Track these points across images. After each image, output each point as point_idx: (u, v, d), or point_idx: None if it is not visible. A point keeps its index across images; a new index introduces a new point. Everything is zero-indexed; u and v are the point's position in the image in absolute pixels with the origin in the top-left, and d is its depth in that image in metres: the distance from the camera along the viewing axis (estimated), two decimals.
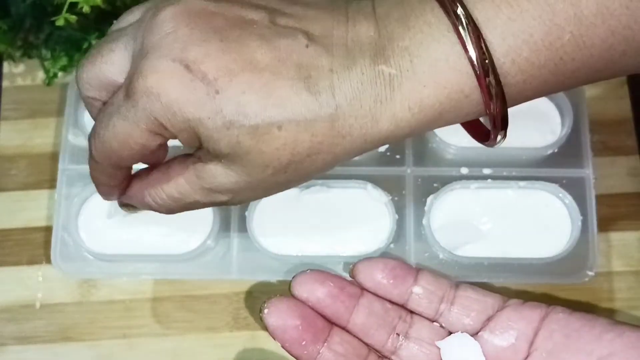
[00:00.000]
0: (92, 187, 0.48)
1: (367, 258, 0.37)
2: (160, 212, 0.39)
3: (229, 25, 0.32)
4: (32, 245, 0.50)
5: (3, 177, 0.52)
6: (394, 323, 0.36)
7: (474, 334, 0.36)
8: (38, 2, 0.49)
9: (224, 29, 0.32)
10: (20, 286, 0.50)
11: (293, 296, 0.36)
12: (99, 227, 0.49)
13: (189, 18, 0.32)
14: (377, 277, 0.37)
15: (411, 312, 0.37)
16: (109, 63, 0.35)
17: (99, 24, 0.51)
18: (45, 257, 0.50)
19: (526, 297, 0.48)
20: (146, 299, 0.49)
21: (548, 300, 0.48)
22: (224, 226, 0.48)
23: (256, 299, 0.49)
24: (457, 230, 0.48)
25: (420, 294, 0.36)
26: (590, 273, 0.47)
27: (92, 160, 0.37)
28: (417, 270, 0.37)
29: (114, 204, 0.48)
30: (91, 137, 0.36)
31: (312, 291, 0.36)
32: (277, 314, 0.35)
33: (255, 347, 0.48)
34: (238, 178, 0.34)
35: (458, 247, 0.47)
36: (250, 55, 0.31)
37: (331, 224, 0.48)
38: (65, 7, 0.46)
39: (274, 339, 0.36)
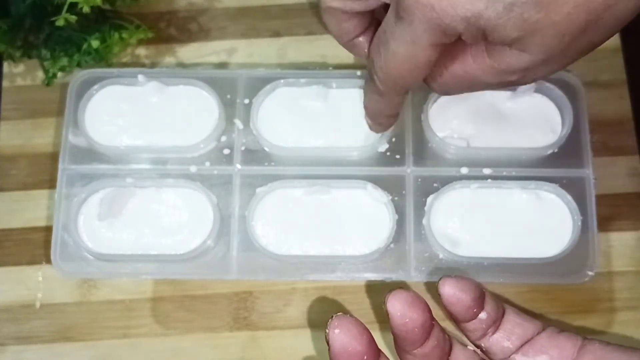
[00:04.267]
0: (92, 187, 0.49)
1: (457, 276, 0.34)
2: (437, 92, 0.39)
3: None
4: (32, 245, 0.50)
5: (3, 177, 0.52)
6: (446, 350, 0.35)
7: (507, 357, 0.35)
8: (38, 2, 0.49)
9: None
10: (20, 286, 0.50)
11: (387, 311, 0.32)
12: (99, 227, 0.49)
13: None
14: (462, 296, 0.34)
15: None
16: None
17: (99, 24, 0.51)
18: (45, 257, 0.50)
19: (526, 297, 0.48)
20: (146, 299, 0.49)
21: (548, 300, 0.48)
22: (224, 226, 0.48)
23: (256, 299, 0.49)
24: (457, 230, 0.48)
25: (483, 319, 0.35)
26: (590, 273, 0.47)
27: (375, 95, 0.39)
28: (485, 293, 0.35)
29: (113, 204, 0.48)
30: (372, 73, 0.37)
31: (411, 316, 0.32)
32: (347, 336, 0.31)
33: (255, 347, 0.48)
34: (534, 57, 0.32)
35: (458, 247, 0.47)
36: None
37: (331, 224, 0.48)
38: (65, 7, 0.46)
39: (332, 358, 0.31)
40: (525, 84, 0.37)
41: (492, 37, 0.33)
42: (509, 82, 0.36)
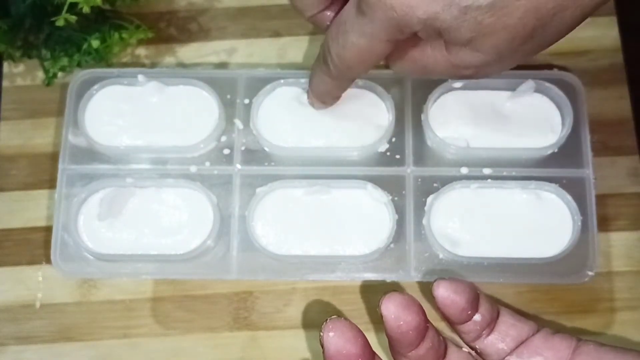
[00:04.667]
0: (92, 187, 0.49)
1: (451, 278, 0.35)
2: (395, 71, 0.41)
3: None
4: (32, 245, 0.50)
5: (3, 177, 0.52)
6: (440, 352, 0.35)
7: (501, 359, 0.35)
8: (38, 2, 0.49)
9: None
10: (20, 286, 0.50)
11: (382, 314, 0.32)
12: (99, 227, 0.49)
13: None
14: (456, 298, 0.34)
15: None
16: None
17: (99, 24, 0.51)
18: (45, 257, 0.50)
19: (526, 297, 0.48)
20: (146, 299, 0.49)
21: (548, 300, 0.48)
22: (224, 226, 0.48)
23: (256, 299, 0.49)
24: (457, 230, 0.48)
25: (477, 321, 0.35)
26: (590, 273, 0.47)
27: (325, 77, 0.42)
28: (479, 295, 0.36)
29: (112, 204, 0.48)
30: (327, 57, 0.40)
31: (406, 318, 0.32)
32: (342, 339, 0.31)
33: (255, 347, 0.48)
34: (486, 57, 0.35)
35: (458, 247, 0.47)
36: None
37: (331, 224, 0.48)
38: (65, 7, 0.46)
39: None
40: (478, 78, 0.39)
41: (447, 37, 0.35)
42: (462, 76, 0.38)
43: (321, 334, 0.31)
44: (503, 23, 0.33)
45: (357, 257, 0.47)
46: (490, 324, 0.35)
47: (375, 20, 0.35)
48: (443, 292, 0.34)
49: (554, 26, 0.33)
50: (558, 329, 0.36)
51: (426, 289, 0.48)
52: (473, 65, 0.36)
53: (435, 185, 0.49)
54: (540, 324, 0.36)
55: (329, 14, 0.41)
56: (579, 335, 0.34)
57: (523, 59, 0.36)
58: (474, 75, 0.38)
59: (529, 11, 0.32)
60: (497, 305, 0.36)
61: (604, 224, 0.49)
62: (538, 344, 0.35)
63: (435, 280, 0.34)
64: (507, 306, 0.48)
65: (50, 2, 0.48)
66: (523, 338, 0.35)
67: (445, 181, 0.49)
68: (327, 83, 0.43)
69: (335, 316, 0.31)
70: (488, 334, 0.35)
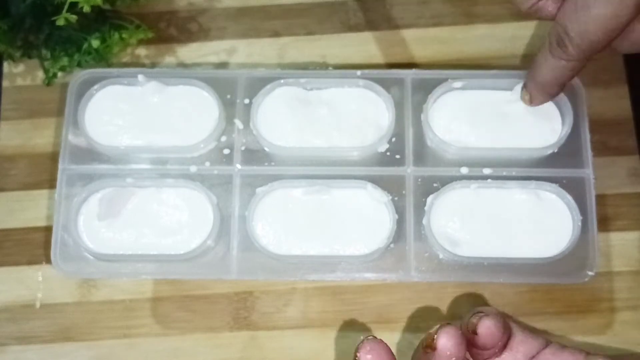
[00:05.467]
0: (92, 187, 0.49)
1: (493, 315, 0.36)
2: (618, 49, 0.41)
3: None
4: (32, 245, 0.50)
5: (3, 177, 0.52)
6: None
7: None
8: (38, 2, 0.49)
9: None
10: (20, 286, 0.50)
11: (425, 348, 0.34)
12: (99, 227, 0.49)
13: None
14: (496, 334, 0.35)
15: None
16: None
17: (99, 24, 0.51)
18: (45, 257, 0.50)
19: (526, 297, 0.48)
20: (146, 299, 0.49)
21: (548, 300, 0.48)
22: (224, 226, 0.48)
23: (256, 299, 0.49)
24: (457, 230, 0.48)
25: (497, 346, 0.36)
26: (590, 273, 0.47)
27: (560, 62, 0.42)
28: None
29: (112, 204, 0.48)
30: (564, 39, 0.40)
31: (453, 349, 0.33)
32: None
33: (255, 347, 0.48)
34: None
35: (458, 247, 0.47)
36: None
37: (331, 224, 0.48)
38: (65, 7, 0.46)
39: None
40: None
41: None
42: None
43: (357, 354, 0.31)
44: None
45: (357, 257, 0.47)
46: (505, 345, 0.35)
47: None
48: (486, 329, 0.35)
49: None
50: (559, 330, 0.36)
51: (425, 289, 0.48)
52: None
53: (435, 185, 0.49)
54: (541, 326, 0.36)
55: (549, 1, 0.41)
56: (578, 336, 0.34)
57: None
58: None
59: None
60: (510, 323, 0.36)
61: (604, 224, 0.49)
62: (548, 358, 0.35)
63: (477, 316, 0.35)
64: (507, 306, 0.48)
65: (50, 1, 0.48)
66: (533, 353, 0.35)
67: (445, 181, 0.49)
68: (561, 68, 0.43)
69: (371, 336, 0.31)
70: (500, 353, 0.35)
